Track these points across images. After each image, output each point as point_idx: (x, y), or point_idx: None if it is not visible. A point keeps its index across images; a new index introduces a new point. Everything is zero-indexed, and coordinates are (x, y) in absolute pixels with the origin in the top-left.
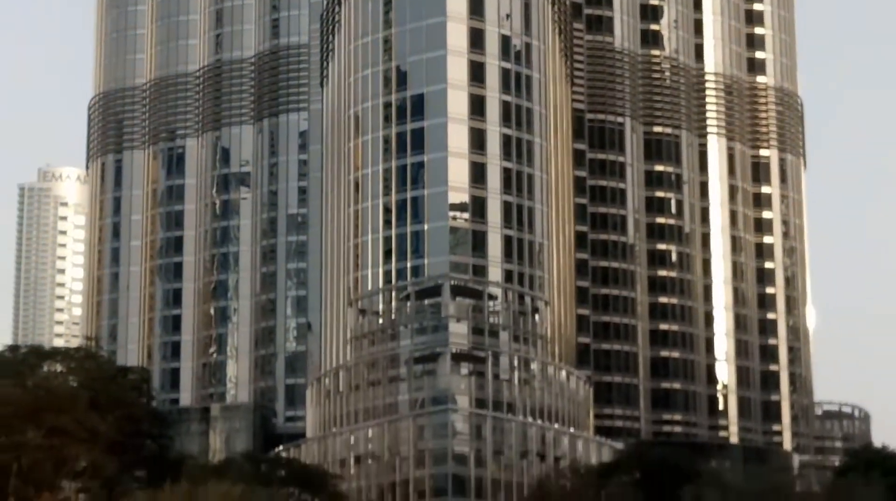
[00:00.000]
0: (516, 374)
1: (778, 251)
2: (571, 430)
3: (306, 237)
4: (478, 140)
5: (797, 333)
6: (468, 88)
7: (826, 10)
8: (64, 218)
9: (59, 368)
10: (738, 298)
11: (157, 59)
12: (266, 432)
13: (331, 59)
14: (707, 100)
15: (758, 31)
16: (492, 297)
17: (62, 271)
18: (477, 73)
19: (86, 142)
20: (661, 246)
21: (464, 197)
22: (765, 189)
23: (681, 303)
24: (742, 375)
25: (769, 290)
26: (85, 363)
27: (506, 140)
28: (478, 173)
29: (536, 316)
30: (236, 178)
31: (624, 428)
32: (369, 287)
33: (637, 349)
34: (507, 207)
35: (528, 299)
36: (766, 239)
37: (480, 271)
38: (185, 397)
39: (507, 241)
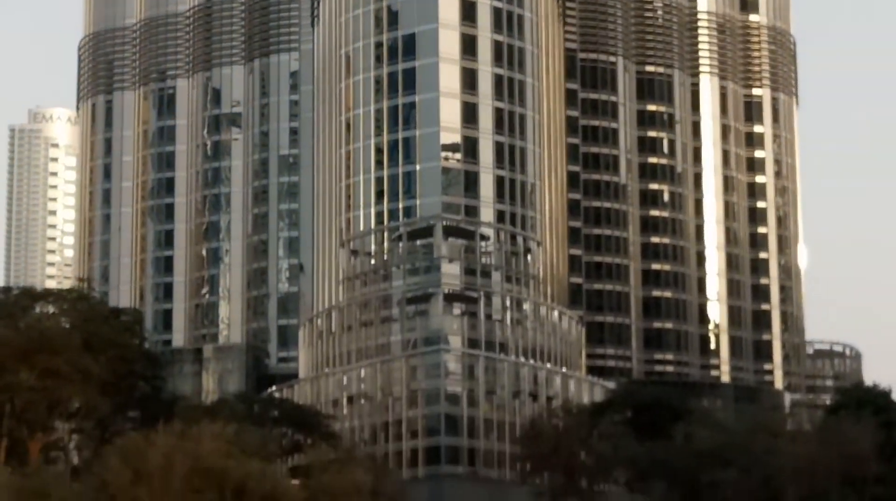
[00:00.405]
0: (508, 314)
1: (770, 191)
2: (563, 370)
3: (298, 178)
4: (469, 80)
5: (789, 272)
6: (459, 27)
7: None
8: (55, 159)
9: (51, 309)
10: (730, 237)
11: None
12: (258, 372)
13: None
14: (699, 39)
15: None
16: (484, 237)
17: (53, 213)
18: (468, 12)
19: (76, 83)
20: (654, 186)
21: (455, 138)
22: (757, 128)
23: (673, 243)
24: (734, 314)
25: (761, 229)
26: (77, 305)
27: (497, 80)
28: (469, 114)
29: (528, 257)
30: (227, 119)
31: (616, 368)
32: (361, 228)
33: (629, 289)
34: (499, 147)
35: (520, 240)
36: (759, 179)
37: (472, 211)
38: (178, 338)
39: (500, 181)
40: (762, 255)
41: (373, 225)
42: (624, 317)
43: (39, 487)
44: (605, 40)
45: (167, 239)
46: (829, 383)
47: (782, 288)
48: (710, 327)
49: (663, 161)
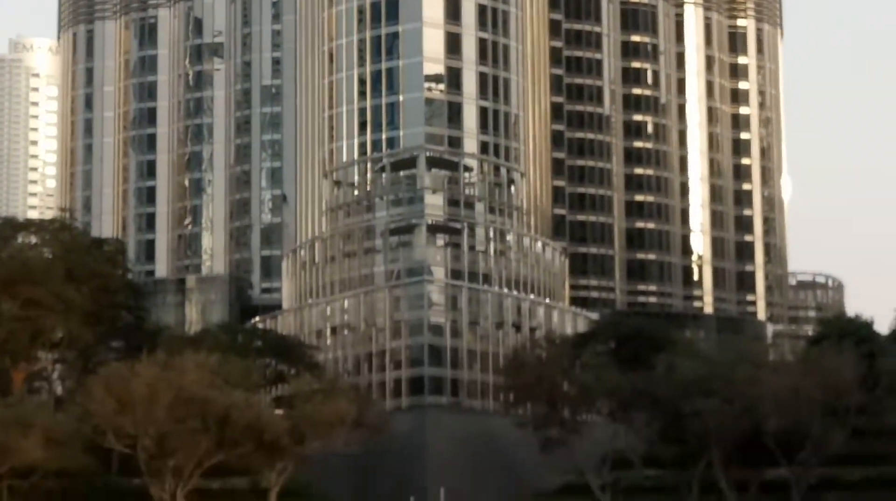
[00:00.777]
0: (492, 245)
1: (754, 122)
2: (547, 301)
3: (280, 109)
4: (453, 10)
5: (772, 203)
6: None
7: None
8: (36, 89)
9: (33, 240)
10: (714, 169)
11: None
12: (242, 303)
13: None
14: None
15: None
16: (467, 168)
17: (35, 143)
18: None
19: (57, 12)
20: (637, 117)
21: (439, 68)
22: (741, 59)
23: (656, 174)
24: (717, 245)
25: (745, 161)
26: (59, 235)
27: (481, 10)
28: (453, 44)
29: (512, 188)
30: (209, 48)
31: (599, 299)
32: (344, 159)
33: (613, 220)
34: (482, 78)
35: (503, 171)
36: (742, 110)
37: (456, 142)
38: (161, 268)
39: (483, 112)
40: (745, 186)
41: (356, 156)
42: (607, 248)
43: (23, 416)
44: None
45: (149, 169)
46: (812, 314)
47: (765, 219)
48: (694, 258)
49: (647, 92)
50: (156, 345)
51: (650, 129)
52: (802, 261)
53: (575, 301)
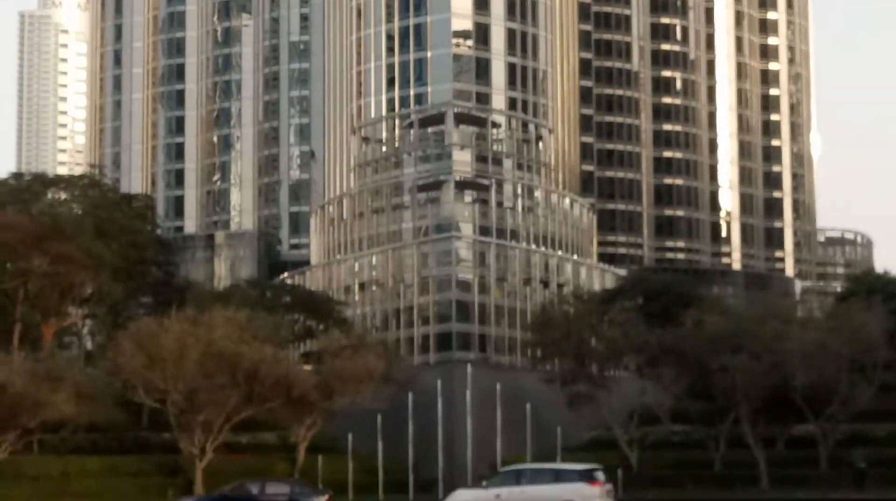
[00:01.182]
0: (520, 202)
1: (783, 78)
2: (575, 257)
3: (309, 65)
4: None
5: (801, 160)
6: None
7: None
8: (65, 45)
9: (63, 196)
10: (743, 125)
11: None
12: (270, 259)
13: None
14: None
15: None
16: (495, 125)
17: (64, 100)
18: None
19: None
20: (666, 73)
21: (467, 24)
22: (771, 15)
23: (685, 130)
24: (745, 202)
25: (774, 117)
26: (89, 191)
27: None
28: (481, 0)
29: (540, 144)
30: (237, 4)
31: (627, 255)
32: (372, 115)
33: (641, 176)
34: (510, 34)
35: (531, 127)
36: (772, 65)
37: (484, 98)
38: (190, 225)
39: (511, 68)
40: (775, 142)
41: (384, 112)
42: (635, 204)
43: (53, 371)
44: None
45: (178, 126)
46: (840, 270)
47: (794, 176)
48: (722, 214)
49: (676, 48)
50: (185, 301)
51: (679, 85)
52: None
53: (603, 257)
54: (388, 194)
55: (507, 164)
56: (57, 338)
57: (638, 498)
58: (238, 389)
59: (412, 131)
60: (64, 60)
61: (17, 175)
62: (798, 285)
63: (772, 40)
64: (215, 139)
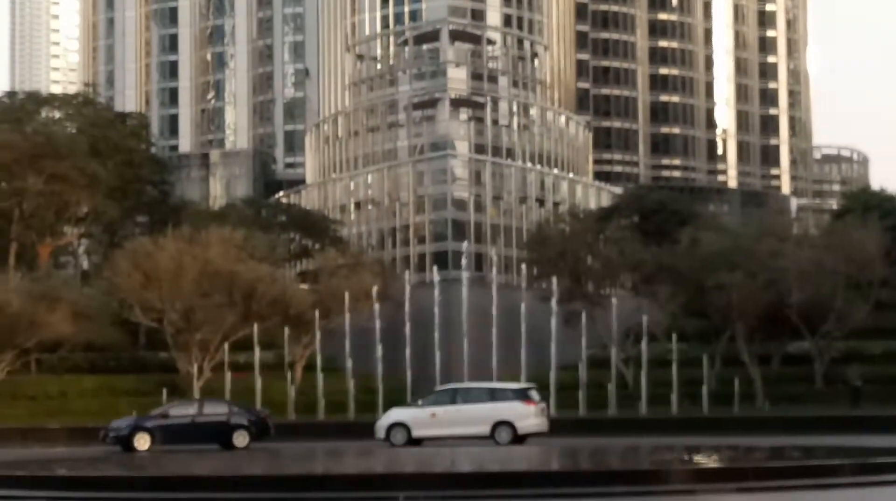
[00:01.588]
0: (515, 119)
1: None
2: (570, 175)
3: None
4: None
5: (797, 76)
6: None
7: None
8: None
9: (57, 114)
10: (739, 41)
11: None
12: (266, 178)
13: None
14: None
15: None
16: (490, 42)
17: (57, 17)
18: None
19: None
20: None
21: None
22: None
23: (681, 47)
24: (741, 119)
25: (770, 33)
26: (83, 110)
27: None
28: None
29: (536, 61)
30: None
31: (623, 173)
32: (367, 32)
33: (637, 93)
34: None
35: (527, 44)
36: None
37: (479, 15)
38: (184, 143)
39: None
40: (771, 59)
41: (378, 29)
42: (631, 122)
43: (50, 291)
44: None
45: (171, 44)
46: (836, 187)
47: (791, 93)
48: (718, 132)
49: None
50: (181, 220)
51: (675, 1)
52: (828, 135)
53: (599, 176)
54: (383, 112)
55: (503, 81)
56: (53, 258)
57: (631, 416)
58: (235, 308)
59: (407, 49)
60: None
61: (11, 94)
62: (794, 203)
63: None
64: (209, 57)
